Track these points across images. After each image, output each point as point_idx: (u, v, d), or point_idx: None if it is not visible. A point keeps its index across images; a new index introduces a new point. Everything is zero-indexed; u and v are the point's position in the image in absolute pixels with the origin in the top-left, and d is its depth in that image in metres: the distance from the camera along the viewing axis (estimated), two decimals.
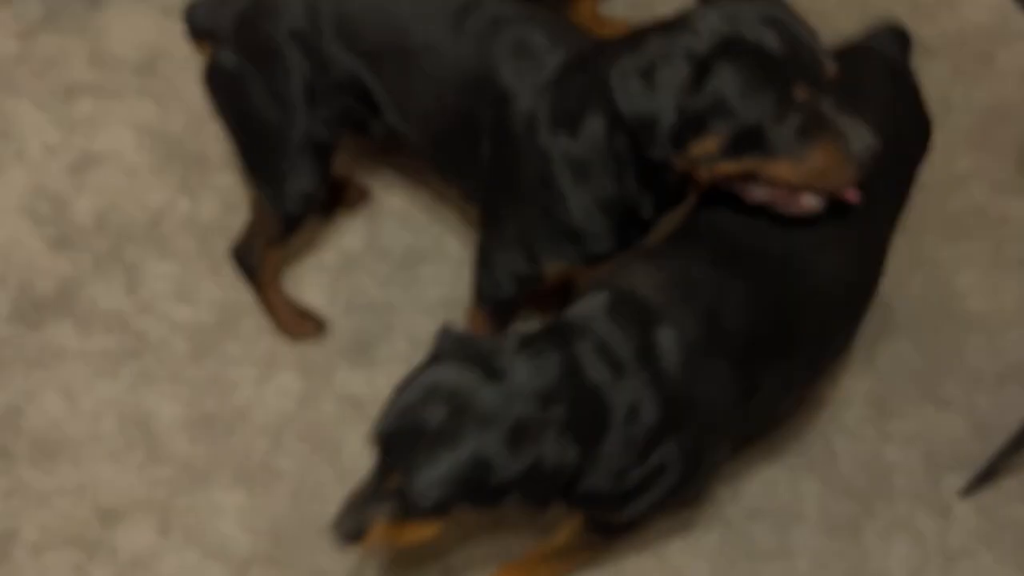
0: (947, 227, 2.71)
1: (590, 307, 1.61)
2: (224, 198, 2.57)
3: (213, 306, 2.43)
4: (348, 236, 2.58)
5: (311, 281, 2.49)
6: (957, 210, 2.74)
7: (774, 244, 1.69)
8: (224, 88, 1.97)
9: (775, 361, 1.68)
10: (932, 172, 2.82)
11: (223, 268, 2.48)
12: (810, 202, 1.64)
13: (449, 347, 1.51)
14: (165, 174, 2.62)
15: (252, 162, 2.07)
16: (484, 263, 2.04)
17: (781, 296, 1.67)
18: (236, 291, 2.44)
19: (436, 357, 1.50)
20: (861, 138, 1.53)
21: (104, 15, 2.93)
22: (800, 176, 1.58)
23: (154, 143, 2.67)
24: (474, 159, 1.92)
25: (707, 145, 1.60)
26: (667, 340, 1.57)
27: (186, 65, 2.76)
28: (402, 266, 2.53)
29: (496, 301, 2.09)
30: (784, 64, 1.54)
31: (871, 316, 2.50)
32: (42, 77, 2.77)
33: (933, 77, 3.04)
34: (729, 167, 1.62)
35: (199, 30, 1.98)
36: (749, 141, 1.57)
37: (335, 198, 2.60)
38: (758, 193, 1.66)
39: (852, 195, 1.65)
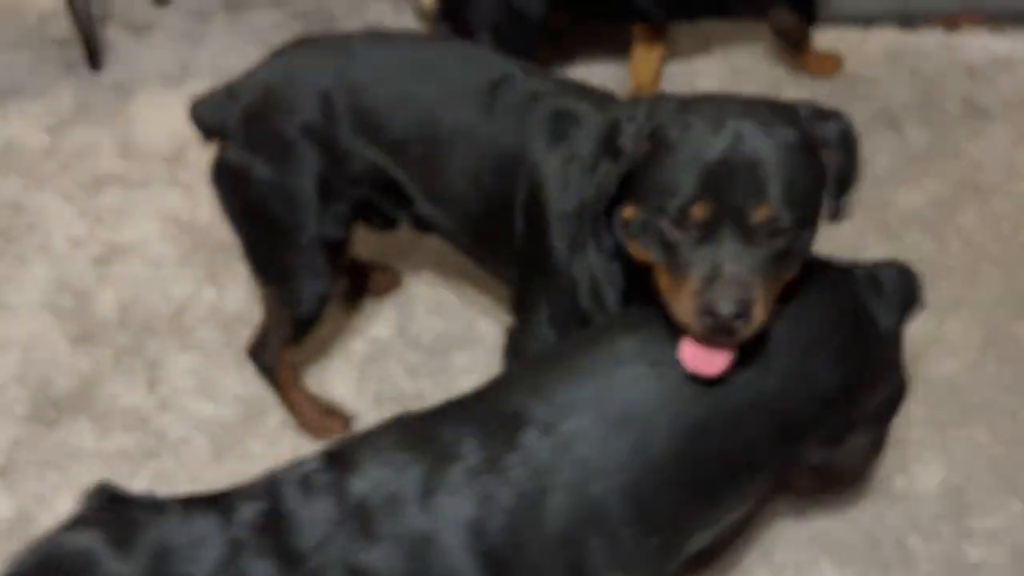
0: (1021, 303, 2.51)
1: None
2: (251, 287, 2.48)
3: (236, 401, 2.32)
4: (377, 324, 2.46)
5: (338, 372, 2.37)
6: None
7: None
8: (232, 186, 1.90)
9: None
10: (1004, 246, 2.63)
11: (247, 360, 2.37)
12: (686, 352, 1.44)
13: (92, 508, 1.31)
14: (191, 264, 2.55)
15: (262, 263, 1.99)
16: (514, 350, 1.90)
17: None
18: (260, 385, 2.32)
19: (76, 519, 1.30)
20: (720, 299, 1.34)
21: (134, 105, 2.92)
22: (666, 293, 1.43)
23: (180, 233, 2.61)
24: (509, 239, 1.81)
25: (627, 211, 1.48)
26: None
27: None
28: (433, 354, 2.40)
29: None
30: (703, 176, 1.38)
31: (941, 400, 2.30)
32: (70, 169, 2.74)
33: (994, 142, 2.88)
34: (640, 251, 1.48)
35: (207, 127, 1.91)
36: (651, 227, 1.43)
37: (362, 285, 2.50)
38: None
39: (703, 365, 1.41)
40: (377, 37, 1.90)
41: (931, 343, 2.43)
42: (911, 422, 2.24)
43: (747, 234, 1.38)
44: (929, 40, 3.21)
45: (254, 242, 1.96)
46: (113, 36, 3.17)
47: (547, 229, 1.70)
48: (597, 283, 1.68)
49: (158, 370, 2.36)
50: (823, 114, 1.49)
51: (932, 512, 2.14)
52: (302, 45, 1.90)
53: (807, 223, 1.43)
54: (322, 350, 2.40)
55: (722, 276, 1.35)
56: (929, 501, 2.16)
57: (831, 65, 3.06)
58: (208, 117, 1.90)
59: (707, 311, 1.34)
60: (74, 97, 2.90)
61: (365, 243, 2.60)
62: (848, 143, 1.50)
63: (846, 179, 1.50)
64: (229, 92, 1.88)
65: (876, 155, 2.84)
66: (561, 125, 1.71)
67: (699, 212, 1.38)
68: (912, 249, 2.62)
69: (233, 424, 2.28)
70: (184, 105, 1.96)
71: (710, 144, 1.39)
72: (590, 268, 1.67)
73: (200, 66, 3.05)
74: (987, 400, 2.33)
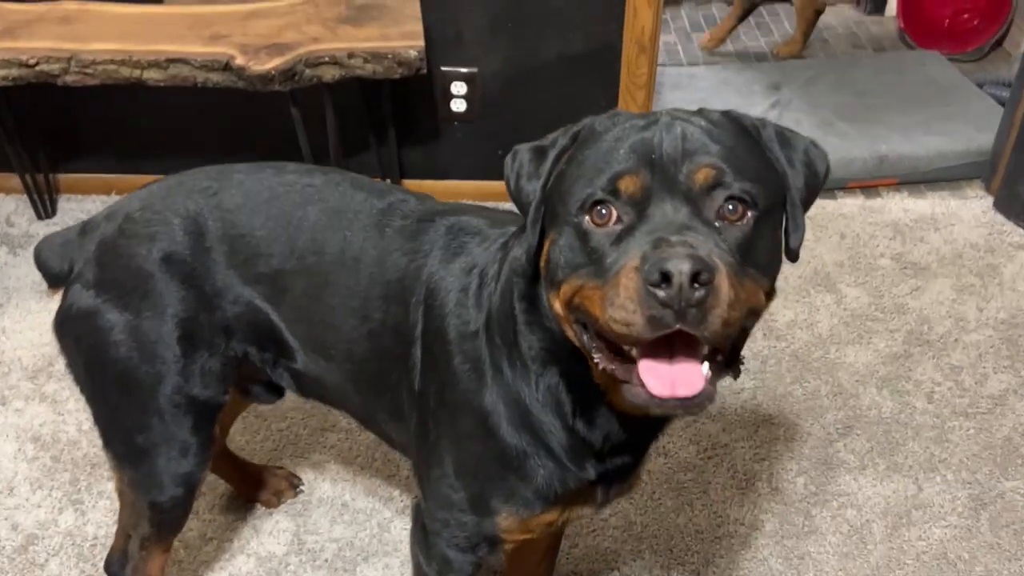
0: (1006, 457, 2.24)
1: None
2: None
3: None
4: (268, 538, 2.06)
5: None
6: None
7: None
8: (77, 335, 1.55)
9: None
10: (971, 399, 2.40)
11: None
12: (645, 376, 1.11)
13: None
14: (47, 487, 2.15)
15: (112, 434, 1.61)
16: (422, 533, 1.53)
17: None
18: None
19: None
20: (671, 256, 1.02)
21: (3, 318, 2.63)
22: (603, 309, 1.08)
23: (39, 451, 2.23)
24: (404, 382, 1.50)
25: (545, 247, 1.21)
26: None
27: None
28: (335, 571, 2.00)
29: None
30: (630, 150, 1.13)
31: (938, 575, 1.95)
32: None
33: (939, 297, 2.72)
34: (570, 288, 1.16)
35: (53, 272, 1.59)
36: (573, 241, 1.15)
37: (251, 493, 2.12)
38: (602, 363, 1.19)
39: (674, 383, 1.10)
40: (261, 166, 1.67)
41: (911, 508, 2.12)
42: None
43: (691, 203, 1.10)
44: (850, 204, 3.14)
45: (102, 407, 1.60)
46: None
47: (448, 355, 1.41)
48: (526, 411, 1.36)
49: None
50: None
51: None
52: (178, 176, 1.64)
53: (765, 208, 1.15)
54: (197, 573, 1.98)
55: (667, 240, 1.05)
56: None
57: None
58: (55, 258, 1.59)
59: (654, 280, 1.01)
60: None
61: (255, 440, 2.26)
62: (808, 148, 1.28)
63: (811, 188, 1.26)
64: (83, 228, 1.60)
65: (816, 317, 2.65)
66: (458, 239, 1.47)
67: (629, 184, 1.11)
68: (872, 409, 2.37)
69: None
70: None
71: (639, 125, 1.17)
72: (511, 391, 1.36)
73: None
74: (991, 571, 1.99)
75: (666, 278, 1.01)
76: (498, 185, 3.06)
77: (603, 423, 1.34)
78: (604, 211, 1.13)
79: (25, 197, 3.01)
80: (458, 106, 3.00)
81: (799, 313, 2.68)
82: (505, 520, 1.43)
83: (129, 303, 1.52)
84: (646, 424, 1.37)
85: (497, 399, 1.36)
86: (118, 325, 1.52)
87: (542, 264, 1.23)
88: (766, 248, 1.18)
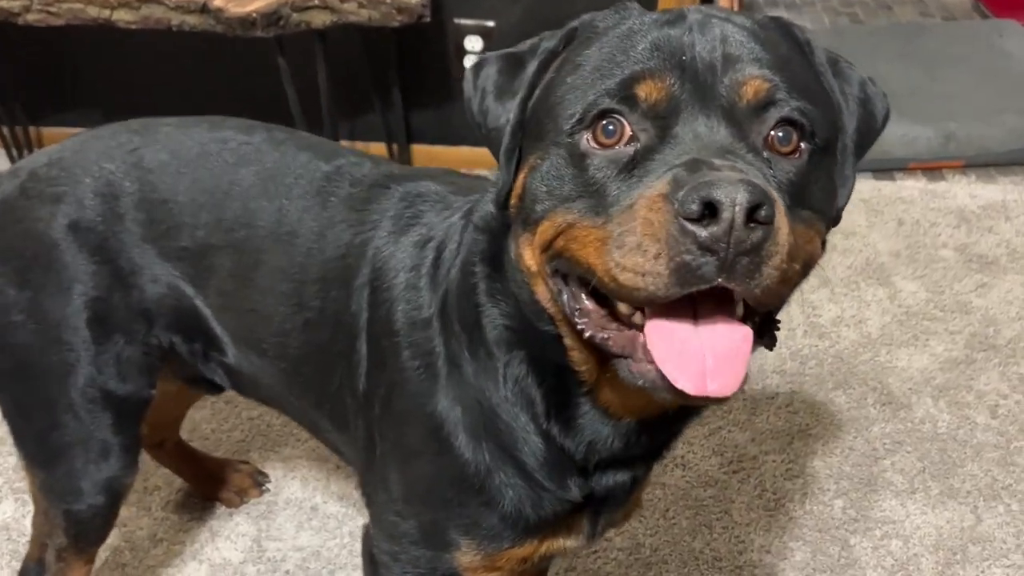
0: None
1: None
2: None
3: None
4: (225, 543, 1.82)
5: None
6: None
7: None
8: None
9: None
10: None
11: None
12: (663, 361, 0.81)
13: None
14: None
15: (21, 429, 1.37)
16: (372, 569, 1.27)
17: None
18: None
19: None
20: (720, 180, 0.74)
21: None
22: (605, 252, 0.81)
23: None
24: (347, 385, 1.24)
25: (520, 178, 0.93)
26: None
27: None
28: None
29: None
30: (650, 47, 0.86)
31: None
32: None
33: (1008, 296, 2.39)
34: (552, 226, 0.88)
35: None
36: (561, 164, 0.87)
37: (211, 490, 1.88)
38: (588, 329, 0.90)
39: (714, 372, 0.80)
40: (196, 120, 1.40)
41: (967, 542, 1.81)
42: None
43: (733, 123, 0.83)
44: (911, 188, 2.80)
45: (7, 398, 1.36)
46: None
47: (395, 348, 1.13)
48: (491, 413, 1.08)
49: None
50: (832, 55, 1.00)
51: None
52: (100, 128, 1.38)
53: (822, 142, 0.88)
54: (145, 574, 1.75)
55: (708, 162, 0.77)
56: None
57: None
58: None
59: (693, 212, 0.73)
60: None
61: (222, 429, 2.02)
62: (864, 83, 1.00)
63: (864, 134, 0.99)
64: None
65: (866, 314, 2.34)
66: (413, 207, 1.20)
67: (651, 89, 0.84)
68: (926, 423, 2.06)
69: None
70: None
71: (661, 20, 0.90)
72: (472, 391, 1.08)
73: None
74: None
75: (711, 210, 0.73)
76: None
77: (586, 426, 1.05)
78: (612, 126, 0.85)
79: (2, 151, 2.80)
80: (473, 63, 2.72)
81: (846, 308, 2.36)
82: (466, 556, 1.15)
83: (29, 277, 1.27)
84: (648, 428, 1.06)
85: (453, 403, 1.09)
86: (17, 304, 1.27)
87: (513, 203, 0.95)
88: (822, 191, 0.90)
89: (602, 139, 0.85)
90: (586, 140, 0.86)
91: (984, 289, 2.42)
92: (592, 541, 1.24)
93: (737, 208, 0.72)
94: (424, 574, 1.19)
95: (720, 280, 0.75)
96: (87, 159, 1.29)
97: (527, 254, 0.93)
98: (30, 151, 2.83)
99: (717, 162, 0.77)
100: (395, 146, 2.81)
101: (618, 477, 1.13)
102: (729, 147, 0.81)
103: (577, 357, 0.99)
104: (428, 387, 1.10)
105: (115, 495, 1.39)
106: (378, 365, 1.17)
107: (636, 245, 0.77)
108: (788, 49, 0.92)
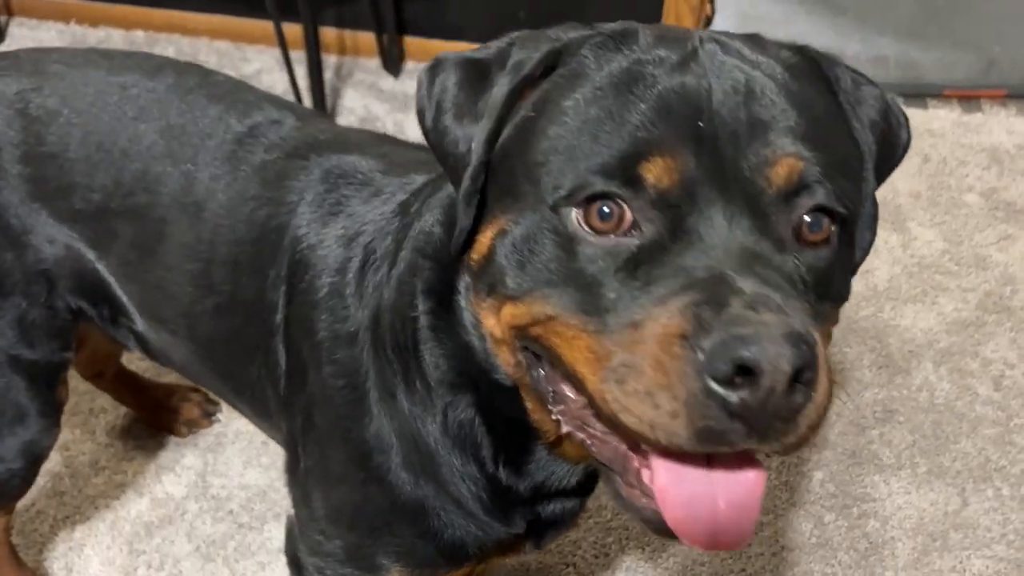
0: None
1: None
2: None
3: None
4: (169, 476, 1.75)
5: (98, 546, 1.64)
6: None
7: None
8: None
9: None
10: None
11: None
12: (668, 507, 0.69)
13: None
14: None
15: None
16: (296, 570, 1.17)
17: None
18: None
19: None
20: (761, 335, 0.60)
21: None
22: (600, 376, 0.67)
23: None
24: (268, 382, 1.12)
25: (487, 236, 0.77)
26: None
27: None
28: (240, 526, 1.68)
29: None
30: (657, 108, 0.69)
31: None
32: None
33: None
34: (525, 311, 0.73)
35: None
36: (541, 239, 0.71)
37: (158, 418, 1.79)
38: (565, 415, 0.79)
39: (721, 530, 0.68)
40: (93, 54, 1.22)
41: (949, 528, 1.71)
42: None
43: (757, 212, 0.69)
44: (942, 119, 2.57)
45: None
46: None
47: (316, 361, 1.00)
48: (427, 452, 0.95)
49: None
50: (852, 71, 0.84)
51: None
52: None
53: (852, 205, 0.74)
54: (80, 510, 1.68)
55: (736, 290, 0.63)
56: None
57: None
58: None
59: (725, 374, 0.60)
60: None
61: None
62: (887, 108, 0.84)
63: (883, 171, 0.85)
64: None
65: (874, 262, 2.17)
66: (336, 191, 1.04)
67: (662, 171, 0.68)
68: (923, 391, 1.93)
69: None
70: None
71: (671, 60, 0.73)
72: (407, 424, 0.95)
73: None
74: None
75: (744, 371, 0.59)
76: None
77: (539, 469, 0.95)
78: (609, 209, 0.69)
79: None
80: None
81: None
82: None
83: None
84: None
85: (385, 433, 0.97)
86: None
87: (475, 257, 0.80)
88: (843, 268, 0.77)
89: (595, 223, 0.69)
90: (575, 219, 0.70)
91: (1007, 242, 2.24)
92: (536, 552, 1.15)
93: (779, 375, 0.59)
94: None
95: (748, 445, 0.63)
96: None
97: (490, 322, 0.78)
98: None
99: (747, 287, 0.62)
100: (385, 37, 2.58)
101: (567, 504, 1.03)
102: (754, 249, 0.66)
103: (539, 417, 0.86)
104: (354, 411, 0.97)
105: (34, 458, 1.31)
106: (298, 372, 1.04)
107: (646, 392, 0.63)
108: (818, 95, 0.76)
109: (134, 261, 1.13)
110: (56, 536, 1.65)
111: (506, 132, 0.77)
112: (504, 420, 0.91)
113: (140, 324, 1.20)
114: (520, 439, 0.92)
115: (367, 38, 2.62)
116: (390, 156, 1.08)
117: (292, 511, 1.17)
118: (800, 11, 2.68)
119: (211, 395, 1.83)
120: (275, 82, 2.60)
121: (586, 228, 0.69)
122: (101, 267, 1.16)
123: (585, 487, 1.02)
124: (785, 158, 0.68)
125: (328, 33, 2.65)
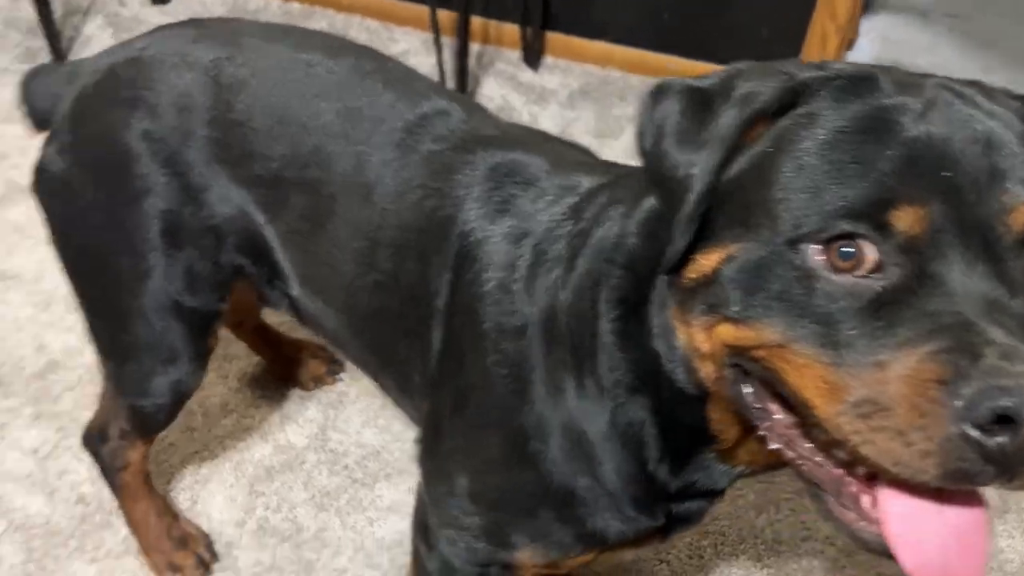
0: None
1: None
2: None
3: (73, 503, 1.72)
4: (291, 426, 1.85)
5: (222, 484, 1.76)
6: None
7: None
8: (52, 204, 1.31)
9: None
10: None
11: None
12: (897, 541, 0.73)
13: None
14: None
15: (94, 325, 1.39)
16: (424, 534, 1.24)
17: None
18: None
19: None
20: (1013, 386, 0.64)
21: None
22: (838, 409, 0.70)
23: None
24: (416, 362, 1.19)
25: (711, 260, 0.80)
26: None
27: None
28: (354, 480, 1.77)
29: None
30: (906, 157, 0.71)
31: None
32: None
33: None
34: (733, 332, 0.79)
35: (37, 114, 1.33)
36: (776, 271, 0.75)
37: (286, 371, 1.90)
38: (777, 437, 0.82)
39: (956, 552, 0.72)
40: (284, 31, 1.32)
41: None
42: None
43: (993, 258, 0.72)
44: None
45: (83, 291, 1.37)
46: (92, 30, 2.72)
47: (479, 350, 1.06)
48: (589, 446, 1.00)
49: None
50: None
51: None
52: (186, 25, 1.33)
53: None
54: (208, 448, 1.80)
55: (991, 342, 0.67)
56: None
57: None
58: (40, 100, 1.33)
59: (984, 420, 0.65)
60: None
61: None
62: None
63: None
64: (71, 71, 1.32)
65: None
66: (503, 189, 1.10)
67: (912, 220, 0.71)
68: None
69: (59, 534, 1.68)
70: None
71: (916, 110, 0.75)
72: (571, 419, 1.01)
73: None
74: None
75: (1003, 422, 0.65)
76: (664, 61, 2.59)
77: (694, 471, 1.00)
78: (852, 249, 0.73)
79: None
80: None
81: None
82: (528, 556, 1.13)
83: (107, 180, 1.25)
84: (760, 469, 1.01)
85: (547, 424, 1.02)
86: (96, 206, 1.26)
87: (691, 275, 0.83)
88: None
89: (836, 262, 0.73)
90: (815, 257, 0.73)
91: None
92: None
93: None
94: (479, 559, 1.17)
95: (994, 485, 0.67)
96: (164, 64, 1.23)
97: (700, 337, 0.83)
98: None
99: (996, 336, 0.67)
100: (529, 30, 2.64)
101: (702, 503, 1.08)
102: (994, 296, 0.70)
103: (719, 426, 0.91)
104: (515, 399, 1.03)
105: (180, 396, 1.41)
106: (454, 358, 1.10)
107: (896, 431, 0.67)
108: None
109: (302, 231, 1.21)
110: (184, 469, 1.77)
111: (739, 164, 0.80)
112: (678, 424, 0.95)
113: (296, 290, 1.29)
114: (689, 443, 0.97)
115: (511, 30, 2.69)
116: (553, 155, 1.14)
117: (420, 482, 1.24)
118: (946, 40, 2.65)
119: (337, 356, 1.94)
120: (419, 64, 2.70)
121: (826, 267, 0.73)
122: (268, 231, 1.25)
123: (722, 491, 1.06)
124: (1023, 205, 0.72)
125: (474, 21, 2.73)
